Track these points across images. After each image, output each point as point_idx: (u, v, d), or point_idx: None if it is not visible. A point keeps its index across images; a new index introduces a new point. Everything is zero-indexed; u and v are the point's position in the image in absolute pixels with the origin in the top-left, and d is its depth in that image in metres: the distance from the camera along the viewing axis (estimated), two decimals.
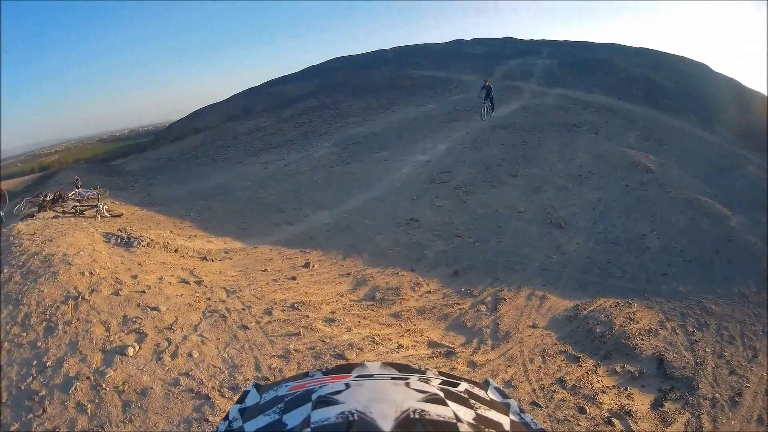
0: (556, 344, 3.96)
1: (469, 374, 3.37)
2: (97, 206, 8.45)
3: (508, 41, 34.89)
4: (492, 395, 0.68)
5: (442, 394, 0.57)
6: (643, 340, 4.26)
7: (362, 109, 18.72)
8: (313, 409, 0.54)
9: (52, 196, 8.80)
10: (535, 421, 0.61)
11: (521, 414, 0.63)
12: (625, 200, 7.73)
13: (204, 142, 20.39)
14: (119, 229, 7.05)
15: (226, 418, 0.60)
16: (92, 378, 3.37)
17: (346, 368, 0.71)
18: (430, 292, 4.90)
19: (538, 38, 34.57)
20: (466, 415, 0.54)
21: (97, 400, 3.19)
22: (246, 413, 0.61)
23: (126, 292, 4.45)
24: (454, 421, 0.51)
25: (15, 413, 3.18)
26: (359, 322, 4.15)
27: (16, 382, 3.44)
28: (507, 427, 0.57)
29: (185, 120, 35.59)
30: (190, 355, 3.62)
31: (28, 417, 3.12)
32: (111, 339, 3.77)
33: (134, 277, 4.87)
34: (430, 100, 18.24)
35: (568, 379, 3.57)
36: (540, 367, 3.65)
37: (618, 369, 3.86)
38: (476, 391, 0.66)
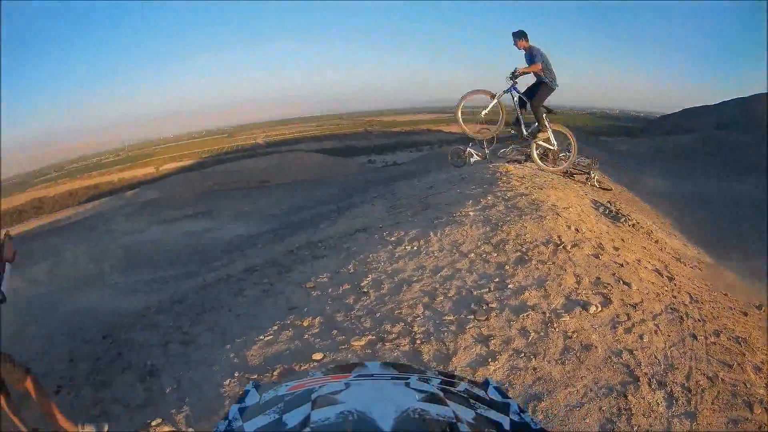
0: None
1: None
2: (588, 173, 8.47)
3: None
4: (492, 395, 0.69)
5: (441, 394, 0.58)
6: None
7: None
8: (313, 409, 0.55)
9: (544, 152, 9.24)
10: (535, 420, 0.62)
11: (521, 414, 0.63)
12: None
13: (692, 145, 20.15)
14: (608, 202, 7.34)
15: (226, 417, 0.62)
16: (547, 314, 3.86)
17: (346, 368, 0.74)
18: None
19: None
20: (466, 414, 0.55)
21: (542, 333, 3.63)
22: (246, 413, 0.63)
23: (605, 259, 4.75)
24: (454, 420, 0.52)
25: (455, 308, 3.86)
26: None
27: (469, 286, 4.17)
28: (507, 426, 0.57)
29: (677, 116, 34.97)
30: (641, 337, 3.66)
31: (468, 316, 3.76)
32: (578, 291, 4.13)
33: (616, 249, 5.12)
34: None
35: None
36: None
37: None
38: (476, 390, 0.67)
